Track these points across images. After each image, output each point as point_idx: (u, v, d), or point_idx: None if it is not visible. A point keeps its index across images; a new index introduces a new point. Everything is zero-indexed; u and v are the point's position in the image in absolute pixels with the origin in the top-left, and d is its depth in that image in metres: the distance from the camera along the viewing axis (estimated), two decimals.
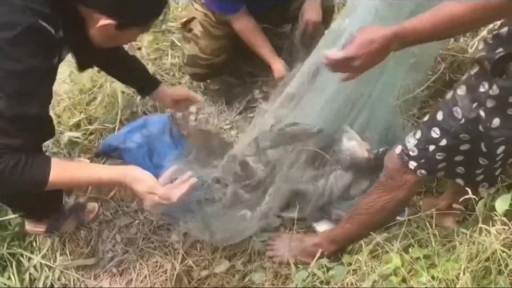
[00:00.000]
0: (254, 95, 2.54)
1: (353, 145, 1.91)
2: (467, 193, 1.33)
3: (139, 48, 2.68)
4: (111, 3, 1.30)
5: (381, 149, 1.85)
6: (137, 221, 2.01)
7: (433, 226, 1.50)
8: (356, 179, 1.92)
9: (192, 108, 2.43)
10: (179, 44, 2.67)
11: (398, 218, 1.81)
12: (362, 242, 1.57)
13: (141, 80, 1.99)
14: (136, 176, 1.41)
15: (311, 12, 2.19)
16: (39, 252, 1.88)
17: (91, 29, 1.34)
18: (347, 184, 1.92)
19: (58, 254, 1.89)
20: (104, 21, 1.30)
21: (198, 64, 2.35)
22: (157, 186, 1.41)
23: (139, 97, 2.38)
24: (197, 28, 2.28)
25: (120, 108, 2.33)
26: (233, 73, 2.61)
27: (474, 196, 1.29)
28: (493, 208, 1.29)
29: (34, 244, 1.92)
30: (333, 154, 1.95)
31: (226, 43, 2.32)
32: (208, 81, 2.58)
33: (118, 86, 2.36)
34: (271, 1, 2.28)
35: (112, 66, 1.91)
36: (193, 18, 2.29)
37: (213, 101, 2.55)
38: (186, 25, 2.31)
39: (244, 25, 2.19)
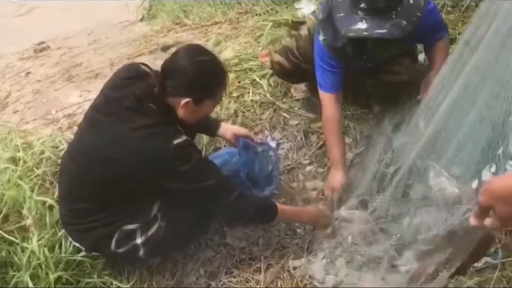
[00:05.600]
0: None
1: (442, 181, 1.84)
2: None
3: None
4: (186, 86, 1.70)
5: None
6: (219, 255, 2.05)
7: None
8: (447, 216, 1.84)
9: (272, 143, 2.48)
10: (260, 82, 2.75)
11: (490, 261, 1.72)
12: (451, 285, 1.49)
13: (207, 124, 2.18)
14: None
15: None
16: (128, 282, 1.98)
17: (178, 112, 1.75)
18: (436, 222, 1.84)
19: (145, 285, 1.98)
20: (183, 100, 1.70)
21: (287, 56, 2.46)
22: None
23: None
24: (303, 31, 2.41)
25: (205, 145, 2.42)
26: (311, 108, 2.63)
27: None
28: None
29: (123, 273, 2.02)
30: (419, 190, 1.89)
31: None
32: (287, 116, 2.62)
33: None
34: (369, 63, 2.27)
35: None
36: (304, 22, 2.44)
37: (292, 136, 2.57)
38: (296, 25, 2.50)
39: (330, 112, 2.21)
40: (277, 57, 2.51)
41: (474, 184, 1.39)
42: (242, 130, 2.23)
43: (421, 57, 2.67)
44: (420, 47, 2.59)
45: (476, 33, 1.46)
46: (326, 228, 2.02)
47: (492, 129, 1.66)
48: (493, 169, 1.33)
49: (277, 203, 1.92)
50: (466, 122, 1.68)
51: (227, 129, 2.19)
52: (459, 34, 2.73)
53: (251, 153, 2.19)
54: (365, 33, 1.88)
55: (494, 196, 0.91)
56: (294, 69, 2.46)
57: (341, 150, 2.20)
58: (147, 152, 1.66)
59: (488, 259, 1.75)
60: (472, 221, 0.99)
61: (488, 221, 0.96)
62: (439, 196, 1.83)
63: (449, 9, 2.94)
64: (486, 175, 1.35)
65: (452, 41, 2.63)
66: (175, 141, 1.65)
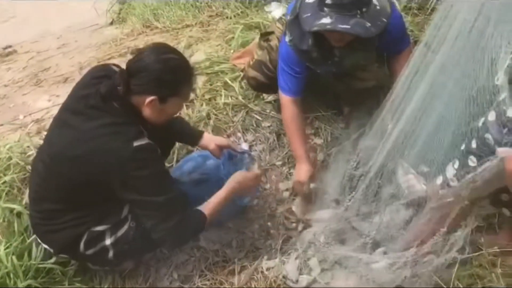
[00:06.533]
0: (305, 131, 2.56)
1: (410, 178, 1.88)
2: None
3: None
4: (150, 84, 1.66)
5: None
6: (193, 258, 2.05)
7: (498, 265, 1.44)
8: (416, 213, 1.88)
9: (244, 145, 2.49)
10: (232, 84, 2.76)
11: (458, 256, 1.76)
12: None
13: (190, 135, 2.16)
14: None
15: None
16: None
17: (144, 111, 1.70)
18: (405, 220, 1.88)
19: None
20: (148, 98, 1.66)
21: (261, 71, 2.45)
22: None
23: None
24: (274, 42, 2.42)
25: (177, 148, 2.41)
26: None
27: None
28: None
29: (94, 279, 1.99)
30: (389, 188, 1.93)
31: None
32: (259, 118, 2.64)
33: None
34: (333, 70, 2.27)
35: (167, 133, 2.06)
36: (272, 32, 2.45)
37: (264, 138, 2.59)
38: (265, 36, 2.48)
39: (289, 112, 2.23)
40: (252, 73, 2.49)
41: (439, 180, 1.43)
42: (225, 141, 2.20)
43: None
44: None
45: (438, 34, 1.50)
46: (252, 188, 2.05)
47: (456, 127, 1.71)
48: (456, 165, 1.38)
49: (200, 208, 1.82)
50: (431, 121, 1.73)
51: (210, 140, 2.15)
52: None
53: (233, 162, 2.19)
54: (328, 26, 1.89)
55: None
56: (270, 82, 2.44)
57: (303, 145, 2.22)
58: (105, 151, 1.64)
59: (456, 254, 1.79)
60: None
61: None
62: (408, 193, 1.87)
63: (415, 11, 3.01)
64: (449, 171, 1.39)
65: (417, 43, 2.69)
66: (136, 143, 1.63)
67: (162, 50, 1.73)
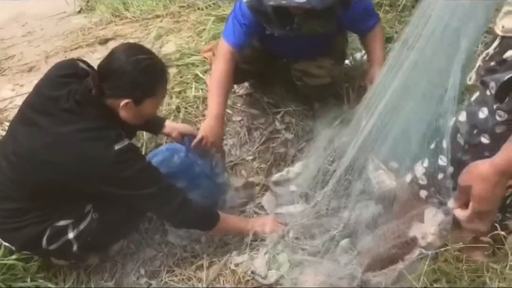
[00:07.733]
0: (276, 126, 2.56)
1: (380, 174, 1.89)
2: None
3: None
4: (124, 87, 1.65)
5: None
6: (161, 254, 2.02)
7: (463, 261, 1.47)
8: (385, 209, 1.90)
9: None
10: (203, 77, 2.72)
11: (424, 251, 1.79)
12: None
13: (151, 122, 2.09)
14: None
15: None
16: (64, 284, 1.90)
17: (120, 113, 1.70)
18: (374, 215, 1.90)
19: (83, 286, 1.91)
20: (123, 102, 1.65)
21: None
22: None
23: None
24: None
25: (145, 141, 2.37)
26: (254, 104, 2.64)
27: (503, 233, 1.27)
28: None
29: (58, 275, 1.94)
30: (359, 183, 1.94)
31: (258, 56, 2.39)
32: (230, 112, 2.61)
33: None
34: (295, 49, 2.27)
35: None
36: None
37: (235, 133, 2.57)
38: None
39: (223, 68, 2.15)
40: None
41: (408, 178, 1.44)
42: (188, 129, 2.16)
43: (359, 55, 2.74)
44: (359, 45, 2.66)
45: (414, 32, 1.50)
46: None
47: (427, 125, 1.74)
48: (425, 163, 1.39)
49: (220, 213, 1.91)
50: (402, 119, 1.74)
51: (173, 128, 2.12)
52: (396, 32, 2.82)
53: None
54: (283, 2, 1.88)
55: (473, 175, 0.98)
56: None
57: (223, 105, 2.14)
58: (87, 156, 1.62)
59: (422, 250, 1.82)
60: (458, 213, 1.05)
61: (462, 213, 1.02)
62: (377, 189, 1.89)
63: (386, 8, 3.03)
64: (418, 169, 1.40)
65: (389, 39, 2.72)
66: (117, 146, 1.62)
67: (132, 51, 1.68)
